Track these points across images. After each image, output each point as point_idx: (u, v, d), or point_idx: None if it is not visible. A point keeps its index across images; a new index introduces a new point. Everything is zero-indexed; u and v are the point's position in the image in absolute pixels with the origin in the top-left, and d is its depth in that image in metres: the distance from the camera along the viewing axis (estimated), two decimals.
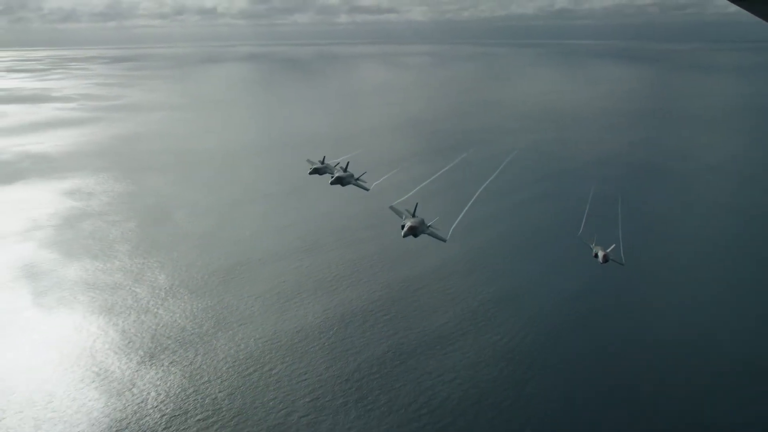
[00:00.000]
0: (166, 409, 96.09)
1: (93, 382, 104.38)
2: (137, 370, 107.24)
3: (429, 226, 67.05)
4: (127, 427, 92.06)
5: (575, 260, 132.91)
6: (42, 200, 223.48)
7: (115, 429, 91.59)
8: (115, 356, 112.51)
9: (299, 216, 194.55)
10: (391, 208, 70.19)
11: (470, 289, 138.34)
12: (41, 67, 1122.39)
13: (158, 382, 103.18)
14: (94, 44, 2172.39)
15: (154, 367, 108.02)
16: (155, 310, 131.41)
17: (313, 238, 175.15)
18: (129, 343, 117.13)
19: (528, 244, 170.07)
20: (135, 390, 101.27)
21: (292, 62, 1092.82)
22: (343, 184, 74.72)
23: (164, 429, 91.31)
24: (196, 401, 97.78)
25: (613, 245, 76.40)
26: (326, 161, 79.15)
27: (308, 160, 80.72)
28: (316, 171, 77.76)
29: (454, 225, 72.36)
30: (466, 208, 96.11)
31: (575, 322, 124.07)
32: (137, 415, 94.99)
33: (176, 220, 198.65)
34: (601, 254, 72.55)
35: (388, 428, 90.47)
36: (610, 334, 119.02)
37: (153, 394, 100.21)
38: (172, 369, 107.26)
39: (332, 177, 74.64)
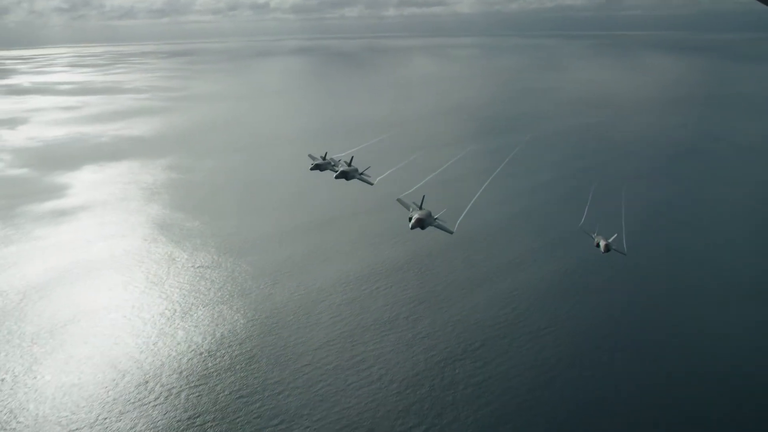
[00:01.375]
0: (302, 312, 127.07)
1: (241, 296, 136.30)
2: (273, 288, 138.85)
3: (436, 218, 66.96)
4: (277, 323, 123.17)
5: (578, 249, 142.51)
6: (150, 173, 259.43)
7: (269, 324, 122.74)
8: (253, 281, 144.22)
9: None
10: (399, 200, 70.64)
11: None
12: (102, 62, 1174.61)
13: (293, 294, 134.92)
14: (147, 40, 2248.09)
15: (286, 288, 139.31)
16: (273, 250, 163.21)
17: (387, 199, 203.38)
18: (261, 273, 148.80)
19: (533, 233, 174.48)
20: (276, 300, 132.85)
21: (342, 55, 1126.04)
22: (347, 179, 74.09)
23: (304, 323, 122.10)
24: (324, 306, 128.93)
25: (615, 235, 75.82)
26: (328, 157, 78.08)
27: (310, 155, 79.15)
28: (317, 167, 76.15)
29: (461, 217, 72.16)
30: (476, 198, 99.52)
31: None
32: (281, 314, 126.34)
33: (266, 188, 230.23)
34: (602, 244, 72.24)
35: (475, 322, 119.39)
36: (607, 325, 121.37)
37: (290, 303, 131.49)
38: (300, 287, 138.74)
39: (336, 172, 73.96)
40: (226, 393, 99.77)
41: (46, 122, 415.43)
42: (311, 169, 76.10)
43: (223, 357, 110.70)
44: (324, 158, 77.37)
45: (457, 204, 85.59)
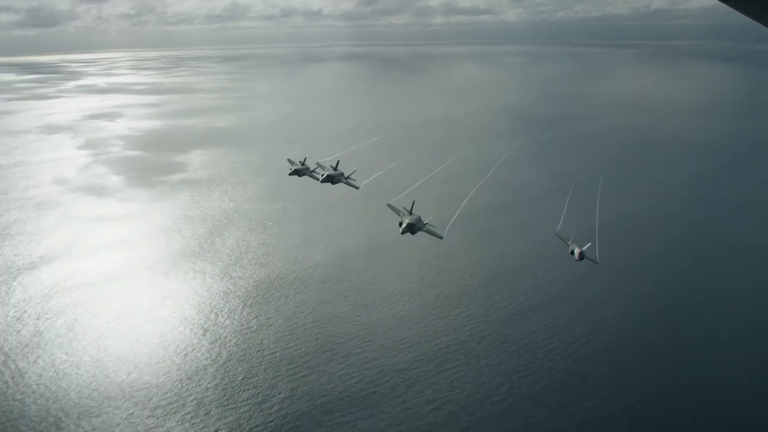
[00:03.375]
0: (404, 247, 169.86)
1: (354, 234, 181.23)
2: (378, 225, 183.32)
3: (426, 223, 68.22)
4: (385, 253, 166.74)
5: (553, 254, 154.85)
6: (248, 156, 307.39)
7: (380, 254, 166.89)
8: (360, 223, 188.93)
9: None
10: (389, 205, 71.44)
11: None
12: (162, 65, 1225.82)
13: (380, 236, 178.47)
14: (199, 45, 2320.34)
15: (389, 227, 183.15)
16: (369, 210, 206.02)
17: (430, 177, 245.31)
18: (347, 228, 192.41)
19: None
20: (383, 238, 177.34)
21: (391, 61, 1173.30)
22: (333, 183, 74.32)
23: (405, 254, 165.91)
24: (419, 245, 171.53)
25: (589, 244, 76.35)
26: (307, 162, 78.25)
27: (289, 160, 79.73)
28: (296, 172, 76.17)
29: (451, 222, 74.36)
30: (465, 202, 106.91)
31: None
32: (390, 246, 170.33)
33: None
34: (576, 251, 73.33)
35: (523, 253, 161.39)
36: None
37: (398, 241, 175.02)
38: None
39: (322, 176, 73.86)
40: (360, 296, 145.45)
41: (139, 116, 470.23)
42: (290, 174, 76.62)
43: (351, 275, 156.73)
44: (303, 163, 78.32)
45: (452, 207, 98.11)
